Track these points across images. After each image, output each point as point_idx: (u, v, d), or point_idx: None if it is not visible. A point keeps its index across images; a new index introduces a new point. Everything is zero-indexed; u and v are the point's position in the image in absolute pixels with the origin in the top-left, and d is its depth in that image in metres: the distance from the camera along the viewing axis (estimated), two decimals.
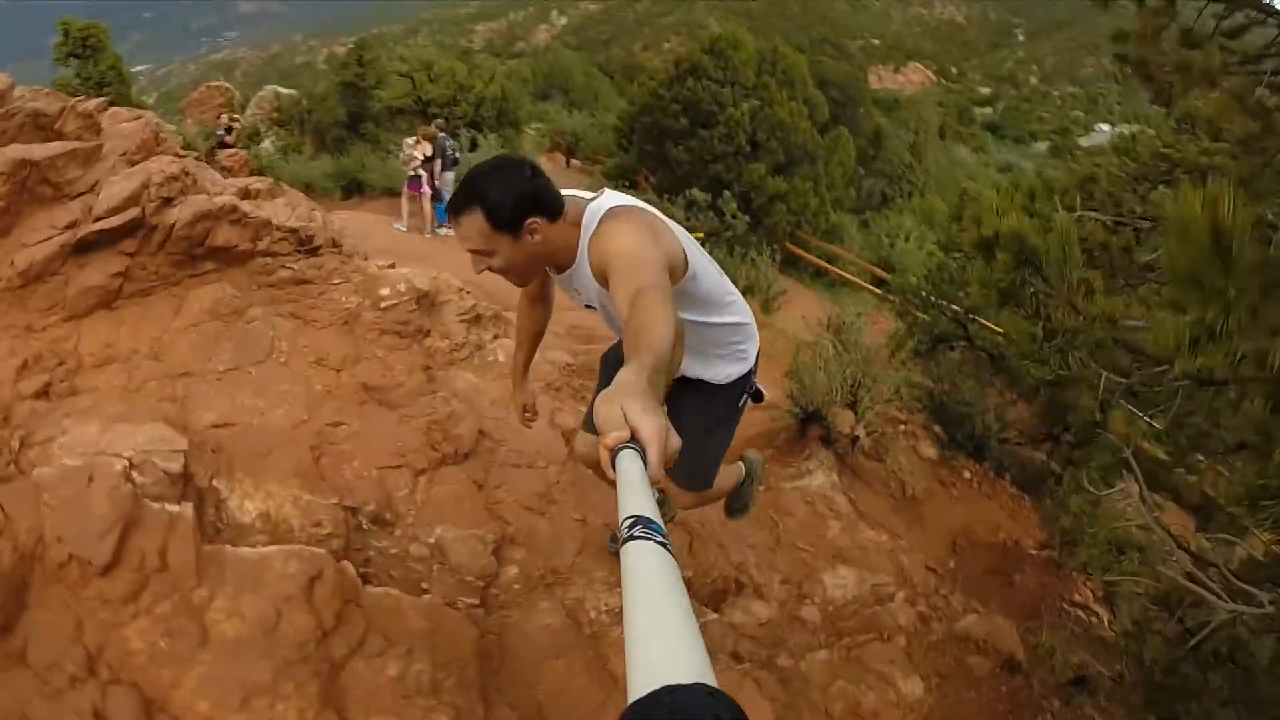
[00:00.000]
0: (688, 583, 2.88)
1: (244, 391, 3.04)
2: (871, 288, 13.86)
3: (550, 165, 21.63)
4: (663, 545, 0.65)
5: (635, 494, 0.76)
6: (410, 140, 11.25)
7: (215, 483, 2.51)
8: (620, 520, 0.71)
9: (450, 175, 11.41)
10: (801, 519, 3.74)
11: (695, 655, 0.51)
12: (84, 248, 3.19)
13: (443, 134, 11.58)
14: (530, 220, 1.73)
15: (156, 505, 2.14)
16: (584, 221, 1.80)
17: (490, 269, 1.79)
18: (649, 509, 0.72)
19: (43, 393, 2.73)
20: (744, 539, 3.44)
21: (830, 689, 2.58)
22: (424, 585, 2.50)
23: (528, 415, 2.49)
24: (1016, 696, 2.89)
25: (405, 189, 11.14)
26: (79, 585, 1.92)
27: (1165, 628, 2.36)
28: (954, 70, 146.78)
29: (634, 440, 0.87)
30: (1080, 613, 4.57)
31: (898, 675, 2.71)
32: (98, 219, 3.20)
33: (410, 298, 4.02)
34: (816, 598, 3.08)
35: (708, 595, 2.98)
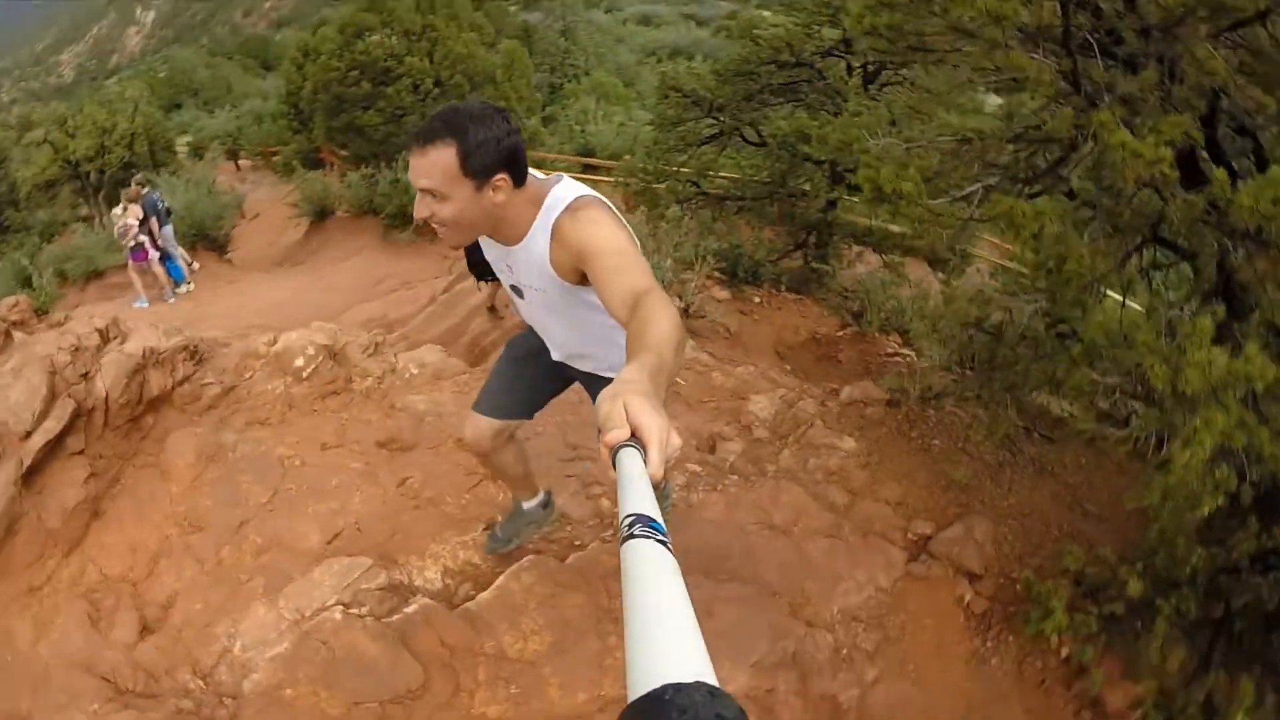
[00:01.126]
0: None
1: (307, 506, 3.23)
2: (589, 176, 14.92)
3: (225, 176, 20.41)
4: (663, 544, 0.66)
5: (635, 492, 0.76)
6: (118, 210, 10.33)
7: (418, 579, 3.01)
8: (620, 518, 0.71)
9: (169, 229, 10.78)
10: (691, 382, 4.74)
11: (696, 654, 0.52)
12: (32, 473, 3.03)
13: (145, 189, 10.80)
14: (499, 175, 1.69)
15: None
16: (546, 203, 1.77)
17: (433, 217, 1.71)
18: (649, 507, 0.72)
19: (145, 631, 2.77)
20: (675, 415, 4.46)
21: (808, 465, 3.73)
22: (576, 543, 3.19)
23: None
24: (910, 418, 4.24)
25: (131, 262, 10.33)
26: None
27: (976, 334, 3.66)
28: None
29: (634, 438, 0.87)
30: (899, 358, 6.18)
31: (836, 440, 3.92)
32: (27, 435, 3.02)
33: (321, 356, 4.37)
34: (756, 423, 4.16)
35: (695, 450, 3.90)
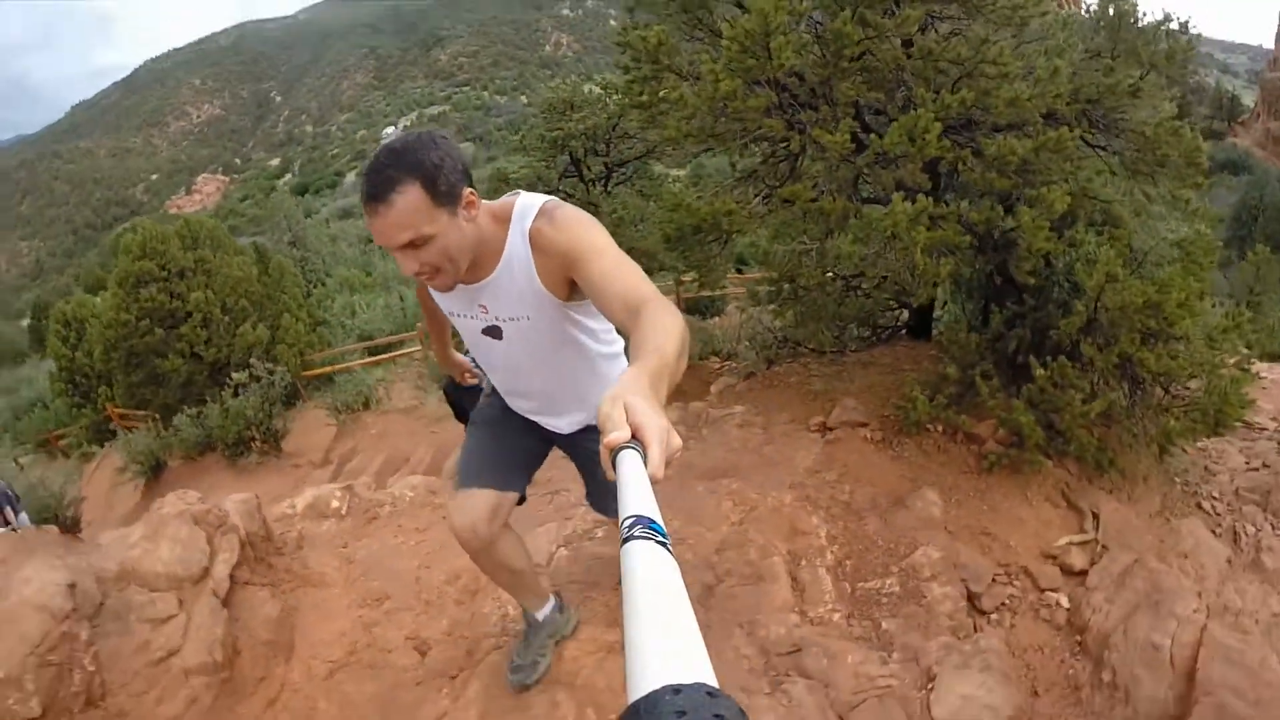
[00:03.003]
0: None
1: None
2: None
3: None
4: (663, 545, 0.67)
5: (636, 493, 0.77)
6: None
7: None
8: (621, 520, 0.72)
9: (25, 515, 10.75)
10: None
11: (695, 655, 0.53)
12: (225, 603, 3.42)
13: None
14: (467, 190, 1.62)
15: None
16: (514, 215, 1.72)
17: (424, 269, 1.64)
18: (650, 508, 0.73)
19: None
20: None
21: (734, 425, 5.55)
22: None
23: (469, 375, 2.47)
24: (767, 380, 6.20)
25: None
26: None
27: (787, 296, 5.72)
28: (238, 160, 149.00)
29: (634, 440, 0.89)
30: (729, 364, 8.20)
31: (730, 408, 5.76)
32: (205, 571, 3.42)
33: (346, 497, 5.43)
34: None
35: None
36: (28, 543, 3.54)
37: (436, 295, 1.92)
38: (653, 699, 0.47)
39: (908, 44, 4.69)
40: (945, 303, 6.28)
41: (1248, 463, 4.60)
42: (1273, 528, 3.93)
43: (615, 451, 0.88)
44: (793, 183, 5.19)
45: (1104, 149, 4.54)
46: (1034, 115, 4.10)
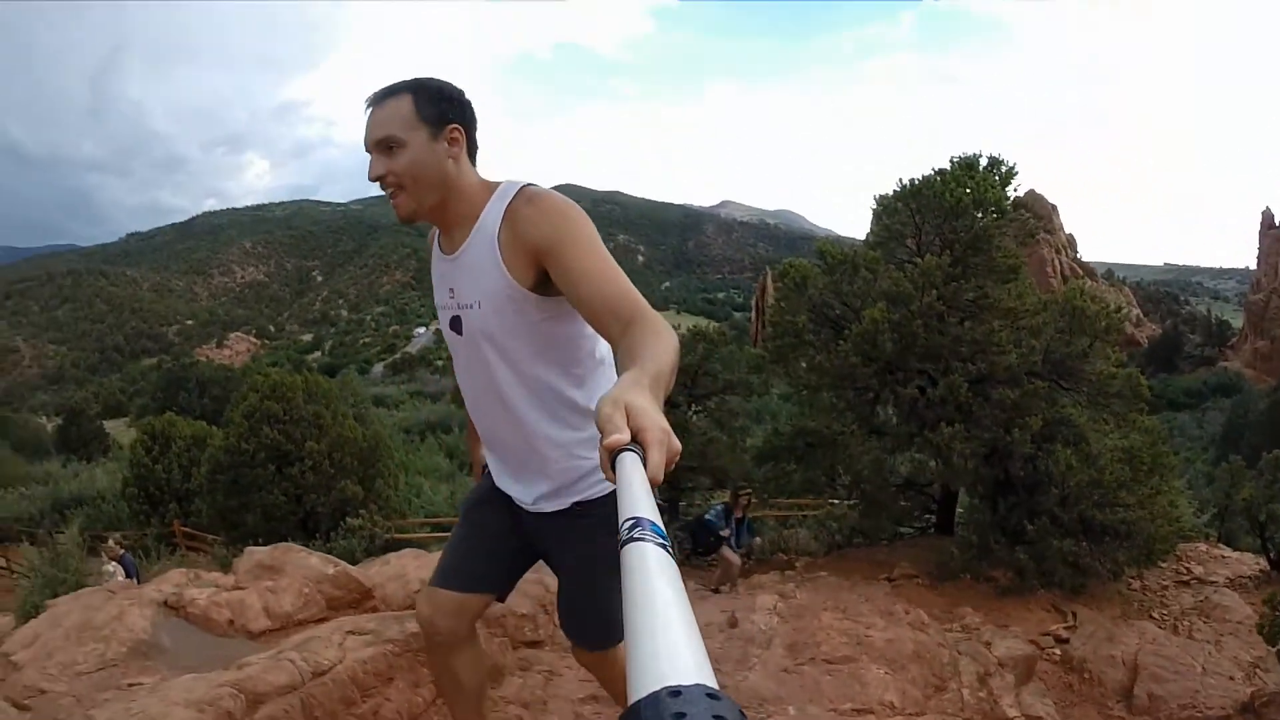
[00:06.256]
0: None
1: None
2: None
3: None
4: (663, 547, 0.69)
5: (635, 495, 0.79)
6: (108, 568, 11.87)
7: None
8: (620, 521, 0.74)
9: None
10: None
11: (695, 656, 0.54)
12: None
13: (124, 551, 13.00)
14: (453, 125, 1.71)
15: None
16: (500, 189, 1.74)
17: (386, 174, 1.69)
18: (649, 510, 0.75)
19: None
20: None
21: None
22: None
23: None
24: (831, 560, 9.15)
25: None
26: None
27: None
28: (272, 328, 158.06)
29: (634, 442, 0.91)
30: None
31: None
32: None
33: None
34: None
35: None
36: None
37: (434, 270, 1.90)
38: (652, 700, 0.48)
39: (944, 333, 8.19)
40: (962, 510, 9.41)
41: (1196, 596, 7.48)
42: (1205, 622, 6.73)
43: (614, 454, 0.90)
44: (873, 418, 8.52)
45: (1071, 390, 7.97)
46: (1021, 375, 7.55)
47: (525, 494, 1.95)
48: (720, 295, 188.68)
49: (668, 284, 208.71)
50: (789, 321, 9.22)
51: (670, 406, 10.59)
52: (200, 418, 24.24)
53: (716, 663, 4.32)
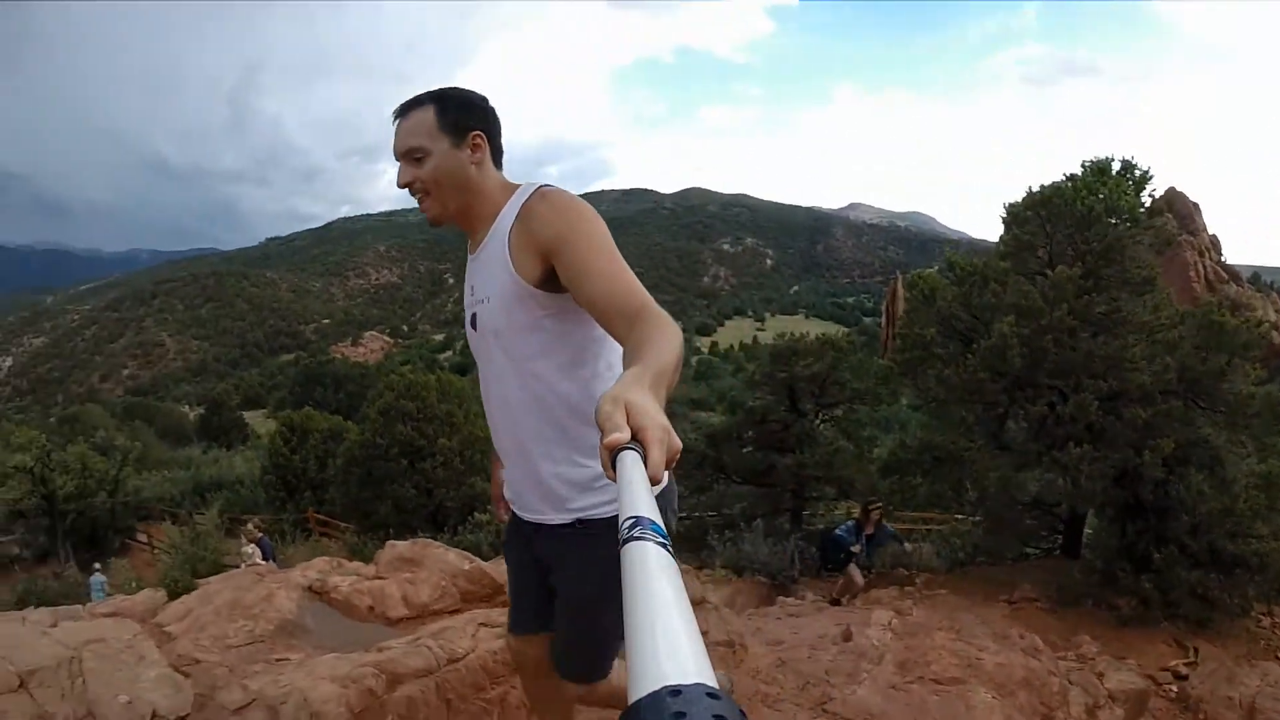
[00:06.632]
0: None
1: None
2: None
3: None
4: (663, 546, 0.69)
5: (636, 494, 0.80)
6: (247, 549, 12.80)
7: None
8: (620, 521, 0.75)
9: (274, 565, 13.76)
10: None
11: (695, 655, 0.54)
12: None
13: (261, 534, 13.95)
14: (475, 133, 1.79)
15: None
16: (518, 191, 1.81)
17: (414, 181, 1.79)
18: (649, 509, 0.76)
19: None
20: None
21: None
22: None
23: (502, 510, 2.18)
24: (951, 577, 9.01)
25: None
26: None
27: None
28: (405, 327, 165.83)
29: (634, 440, 0.91)
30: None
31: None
32: None
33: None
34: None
35: None
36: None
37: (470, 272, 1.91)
38: (652, 700, 0.49)
39: (1074, 349, 7.90)
40: (1090, 533, 9.03)
41: None
42: None
43: (614, 453, 0.90)
44: (1001, 434, 8.32)
45: (1207, 410, 7.62)
46: (1154, 393, 7.21)
47: (529, 503, 1.93)
48: (849, 300, 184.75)
49: (796, 288, 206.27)
50: (917, 334, 9.17)
51: (797, 415, 11.44)
52: (335, 412, 25.77)
53: (827, 675, 4.48)
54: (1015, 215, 9.28)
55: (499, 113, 1.86)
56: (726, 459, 13.52)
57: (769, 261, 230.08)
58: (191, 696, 2.69)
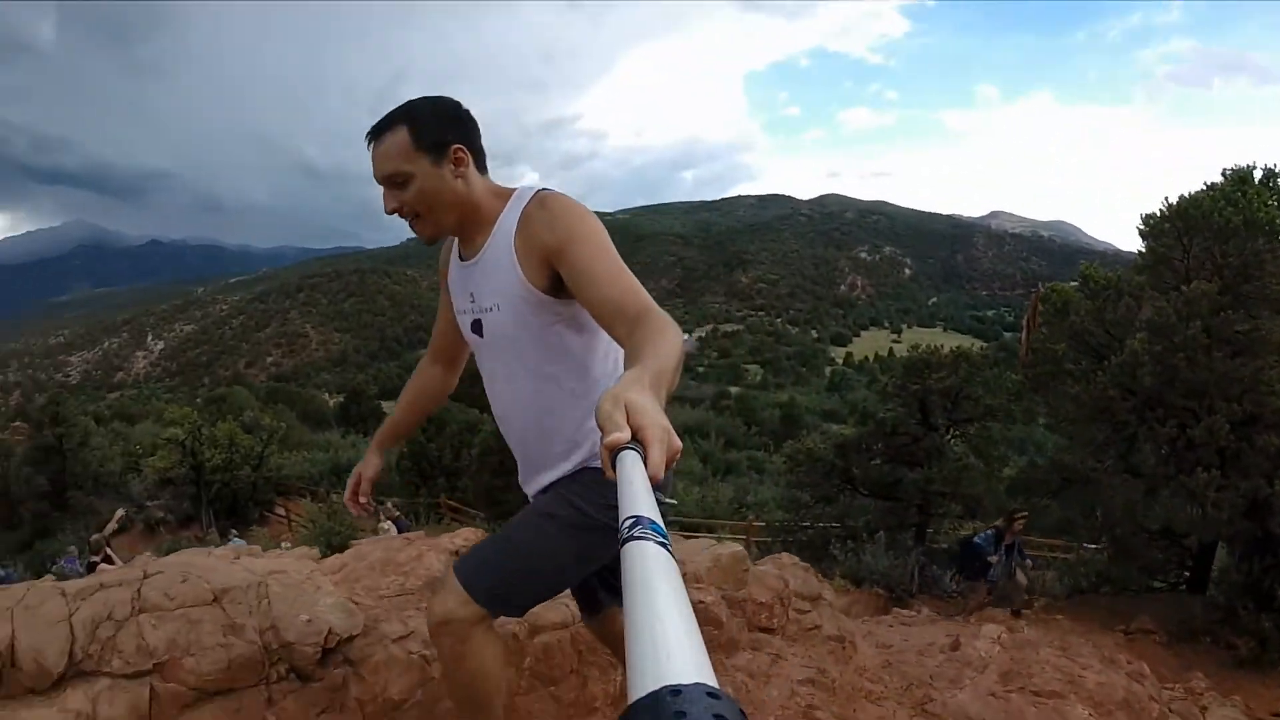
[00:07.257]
0: None
1: None
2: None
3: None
4: (663, 545, 0.69)
5: (636, 494, 0.79)
6: (385, 526, 13.34)
7: None
8: (620, 520, 0.74)
9: None
10: None
11: (695, 655, 0.53)
12: None
13: (398, 514, 14.65)
14: (456, 146, 1.73)
15: None
16: (516, 193, 1.79)
17: (401, 206, 1.75)
18: (649, 509, 0.75)
19: None
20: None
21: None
22: None
23: (361, 499, 2.17)
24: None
25: None
26: None
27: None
28: None
29: (635, 440, 0.91)
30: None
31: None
32: None
33: None
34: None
35: None
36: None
37: (452, 279, 1.95)
38: (652, 699, 0.48)
39: (1209, 369, 7.52)
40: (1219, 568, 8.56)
41: None
42: None
43: (615, 452, 0.90)
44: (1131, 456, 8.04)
45: None
46: None
47: (542, 483, 1.94)
48: (990, 313, 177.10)
49: (934, 299, 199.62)
50: (1049, 349, 8.94)
51: (928, 429, 11.49)
52: (472, 406, 26.78)
53: (931, 679, 4.56)
54: (1153, 227, 8.81)
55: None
56: (855, 470, 13.43)
57: (907, 271, 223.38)
58: (362, 620, 3.05)
